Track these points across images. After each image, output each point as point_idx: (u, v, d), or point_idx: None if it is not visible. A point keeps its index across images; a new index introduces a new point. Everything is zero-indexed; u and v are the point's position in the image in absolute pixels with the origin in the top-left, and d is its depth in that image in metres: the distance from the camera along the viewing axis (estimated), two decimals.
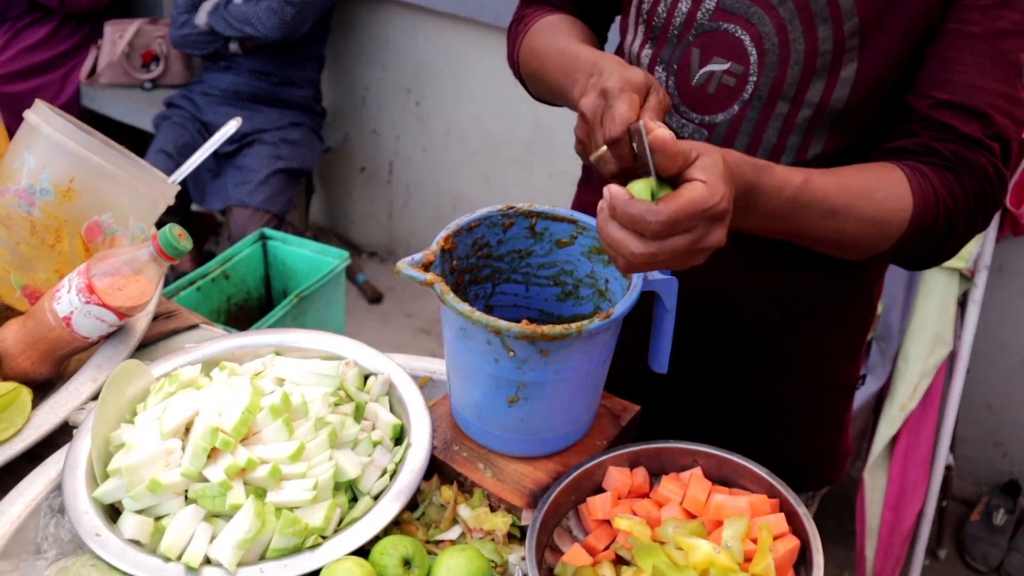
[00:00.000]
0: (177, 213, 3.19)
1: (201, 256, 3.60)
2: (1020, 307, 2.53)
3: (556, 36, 1.17)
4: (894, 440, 2.33)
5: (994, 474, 2.76)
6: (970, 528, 2.66)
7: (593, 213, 1.21)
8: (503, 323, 0.88)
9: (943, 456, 2.36)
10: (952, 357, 2.29)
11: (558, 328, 0.88)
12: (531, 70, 1.19)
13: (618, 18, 1.25)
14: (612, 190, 0.81)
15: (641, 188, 0.82)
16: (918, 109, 1.01)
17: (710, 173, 0.81)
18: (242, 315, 2.58)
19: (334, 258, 2.53)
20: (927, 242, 1.01)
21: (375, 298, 3.53)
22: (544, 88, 1.18)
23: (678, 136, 1.07)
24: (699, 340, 1.19)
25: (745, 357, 1.19)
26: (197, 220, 3.55)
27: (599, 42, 1.25)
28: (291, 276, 2.61)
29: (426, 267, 0.95)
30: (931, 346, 2.26)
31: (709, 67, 1.05)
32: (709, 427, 1.10)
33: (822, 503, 1.45)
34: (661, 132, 0.81)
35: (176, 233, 1.13)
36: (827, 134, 1.04)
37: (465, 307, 0.90)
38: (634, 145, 0.88)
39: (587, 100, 0.94)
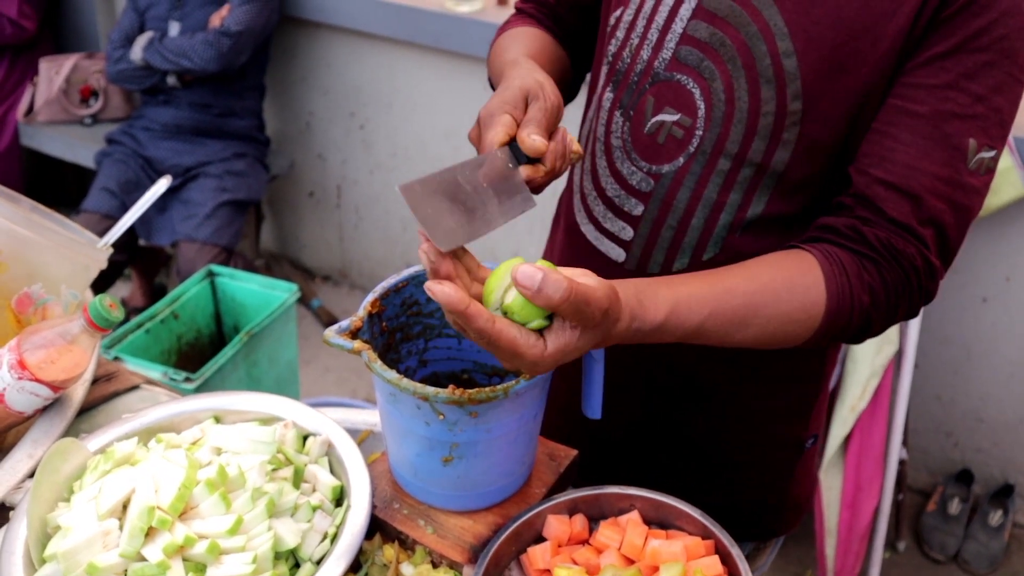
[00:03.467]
0: (124, 250, 3.16)
1: (152, 290, 3.57)
2: (962, 300, 2.59)
3: (512, 47, 1.18)
4: (847, 440, 2.37)
5: (947, 464, 2.82)
6: (927, 518, 2.71)
7: (559, 254, 1.24)
8: (430, 389, 0.89)
9: (896, 451, 2.41)
10: (899, 355, 2.34)
11: (484, 391, 0.89)
12: (490, 77, 1.22)
13: None
14: (451, 296, 0.80)
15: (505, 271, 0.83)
16: (856, 183, 0.99)
17: (556, 340, 0.82)
18: (193, 354, 2.56)
19: (283, 291, 2.52)
20: (841, 336, 1.00)
21: (331, 322, 3.52)
22: None
23: (626, 183, 1.11)
24: (643, 387, 1.20)
25: (688, 407, 1.20)
26: (146, 254, 3.51)
27: (572, 65, 1.26)
28: (241, 311, 2.59)
29: (354, 334, 0.96)
30: (878, 346, 2.31)
31: (660, 116, 1.06)
32: (653, 473, 1.11)
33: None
34: (521, 273, 0.79)
35: (107, 304, 1.13)
36: (769, 195, 1.04)
37: (393, 375, 0.91)
38: (509, 165, 0.92)
39: (472, 131, 0.97)
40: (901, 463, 2.50)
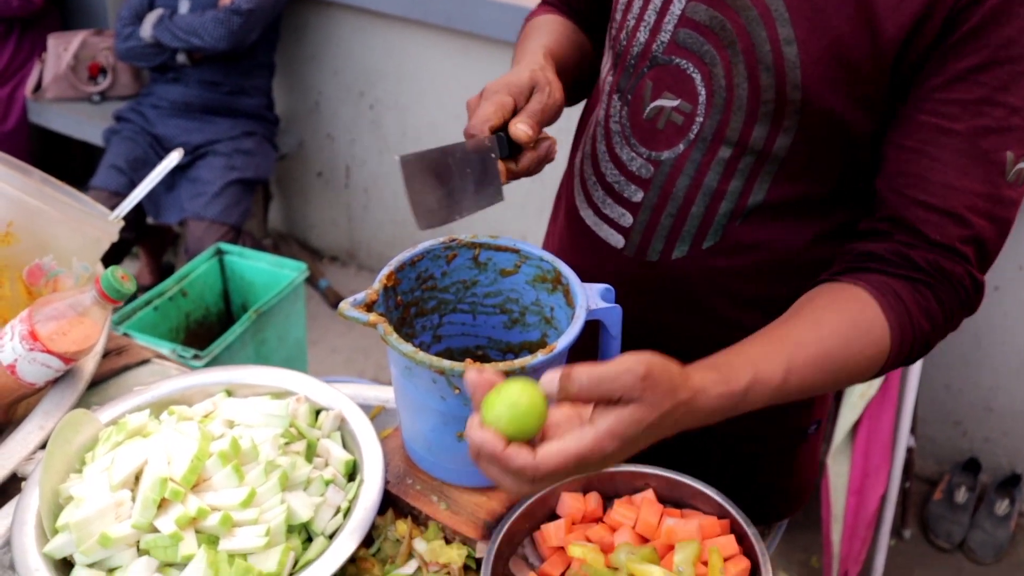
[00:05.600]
0: (132, 228, 3.15)
1: (160, 268, 3.56)
2: None
3: (535, 35, 1.18)
4: (855, 426, 2.36)
5: (955, 453, 2.81)
6: (933, 507, 2.71)
7: (559, 238, 1.23)
8: (447, 363, 0.88)
9: (904, 439, 2.40)
10: None
11: (501, 366, 0.88)
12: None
13: None
14: (483, 438, 0.76)
15: (507, 398, 0.76)
16: (891, 204, 0.97)
17: (615, 425, 0.76)
18: (202, 332, 2.56)
19: (292, 270, 2.52)
20: (900, 363, 0.99)
21: (338, 303, 3.51)
22: None
23: (625, 169, 1.10)
24: None
25: None
26: (153, 232, 3.51)
27: (595, 52, 1.27)
28: (250, 290, 2.59)
29: (369, 307, 0.95)
30: None
31: (659, 101, 1.05)
32: (659, 461, 1.10)
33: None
34: (547, 377, 0.77)
35: (119, 275, 1.12)
36: (770, 182, 1.03)
37: (409, 348, 0.90)
38: (492, 155, 0.95)
39: (473, 99, 1.00)
40: (909, 451, 2.50)
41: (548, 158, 1.02)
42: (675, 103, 1.03)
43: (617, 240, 1.13)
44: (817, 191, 1.04)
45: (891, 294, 0.95)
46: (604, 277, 1.14)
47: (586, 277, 1.15)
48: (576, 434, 0.76)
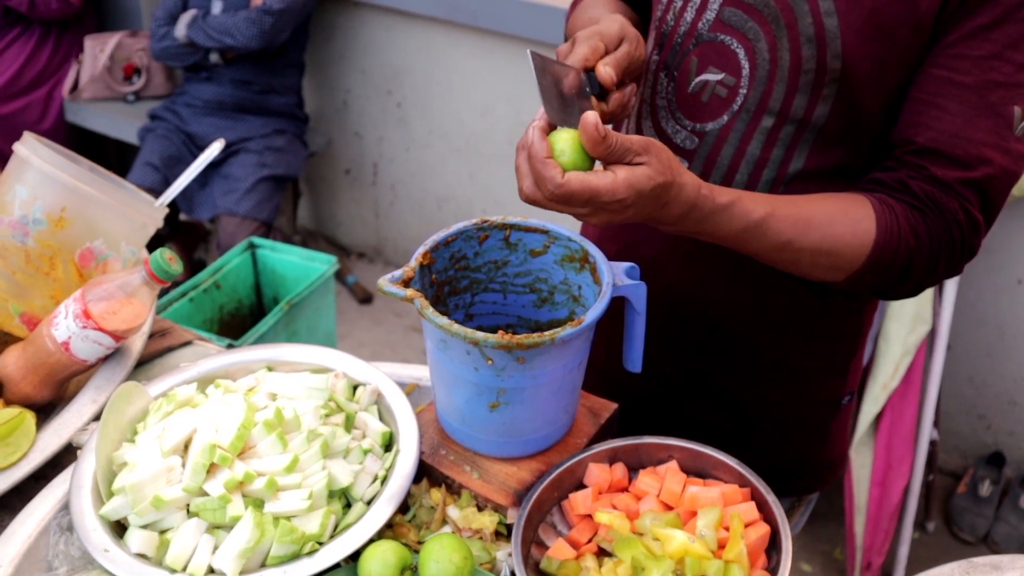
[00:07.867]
0: (166, 223, 3.23)
1: (192, 264, 3.64)
2: (997, 282, 2.59)
3: (591, 10, 1.22)
4: (878, 418, 2.38)
5: (979, 446, 2.82)
6: (957, 500, 2.72)
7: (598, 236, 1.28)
8: (480, 334, 0.93)
9: (927, 431, 2.42)
10: (932, 334, 2.35)
11: (533, 337, 0.93)
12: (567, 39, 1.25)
13: None
14: (534, 138, 0.90)
15: (567, 137, 0.91)
16: (900, 152, 1.03)
17: (630, 176, 0.89)
18: (235, 323, 2.62)
19: (322, 263, 2.58)
20: (885, 277, 1.05)
21: (365, 299, 3.57)
22: None
23: (670, 142, 1.14)
24: (683, 344, 1.23)
25: (728, 365, 1.23)
26: (186, 229, 3.59)
27: (643, 25, 1.29)
28: (281, 283, 2.65)
29: (406, 283, 1.00)
30: (911, 325, 2.31)
31: (704, 76, 1.10)
32: (690, 430, 1.14)
33: None
34: (590, 116, 0.88)
35: (167, 257, 1.18)
36: (809, 150, 1.08)
37: (444, 320, 0.95)
38: (586, 89, 0.99)
39: (562, 47, 1.05)
40: (932, 444, 2.51)
41: (630, 103, 1.06)
42: (719, 77, 1.08)
43: None
44: (851, 160, 1.09)
45: (886, 204, 1.03)
46: (650, 247, 1.19)
47: (632, 248, 1.20)
48: (600, 175, 0.90)
